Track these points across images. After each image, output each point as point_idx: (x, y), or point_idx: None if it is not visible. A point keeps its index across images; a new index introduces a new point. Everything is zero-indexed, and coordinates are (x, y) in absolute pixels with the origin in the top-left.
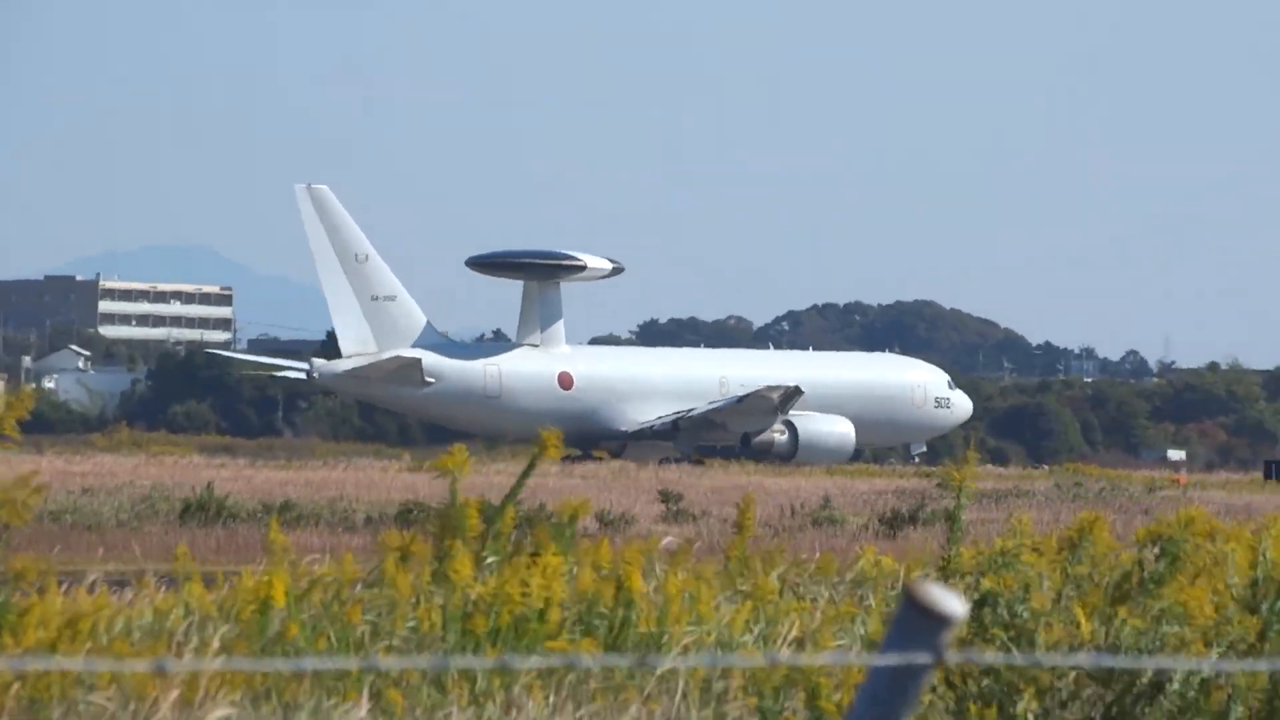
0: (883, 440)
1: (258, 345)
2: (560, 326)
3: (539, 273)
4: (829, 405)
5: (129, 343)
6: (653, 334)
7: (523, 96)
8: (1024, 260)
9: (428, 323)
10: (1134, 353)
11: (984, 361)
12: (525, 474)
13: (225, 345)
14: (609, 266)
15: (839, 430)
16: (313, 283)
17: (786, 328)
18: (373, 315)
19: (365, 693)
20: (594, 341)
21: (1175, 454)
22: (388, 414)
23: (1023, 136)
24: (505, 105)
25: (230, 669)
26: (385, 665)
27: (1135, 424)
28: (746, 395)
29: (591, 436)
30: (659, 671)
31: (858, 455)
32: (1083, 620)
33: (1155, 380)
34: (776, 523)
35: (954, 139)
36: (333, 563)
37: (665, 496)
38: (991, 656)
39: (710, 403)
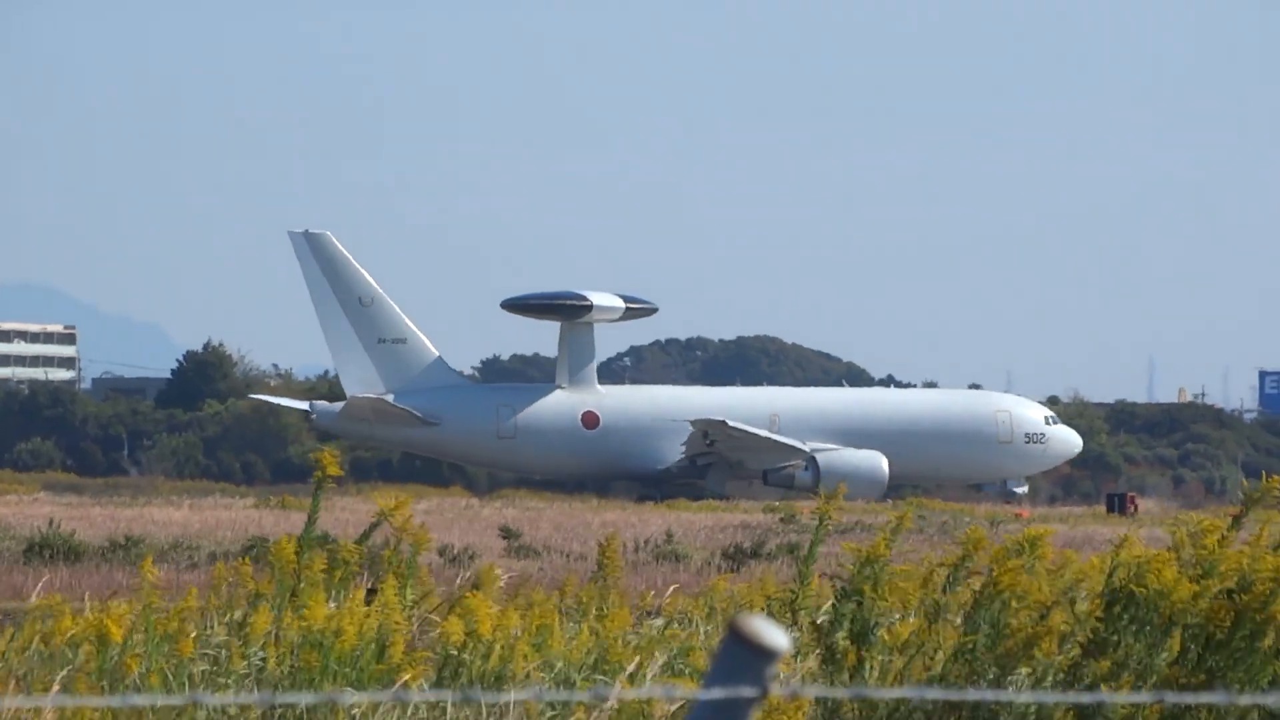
0: (965, 476)
1: (101, 384)
2: (593, 368)
3: (559, 314)
4: (893, 440)
5: None
6: (495, 371)
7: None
8: (865, 294)
9: (439, 361)
10: (977, 386)
11: None
12: (315, 506)
13: (70, 384)
14: (622, 306)
15: (867, 464)
16: (155, 321)
17: (629, 363)
18: (380, 357)
19: None
20: None
21: (1018, 487)
22: (231, 453)
23: (861, 169)
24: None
25: (58, 704)
26: (212, 701)
27: None
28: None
29: (620, 476)
30: (499, 705)
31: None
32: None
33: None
34: (619, 557)
35: (794, 172)
36: (176, 599)
37: (506, 533)
38: (816, 689)
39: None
